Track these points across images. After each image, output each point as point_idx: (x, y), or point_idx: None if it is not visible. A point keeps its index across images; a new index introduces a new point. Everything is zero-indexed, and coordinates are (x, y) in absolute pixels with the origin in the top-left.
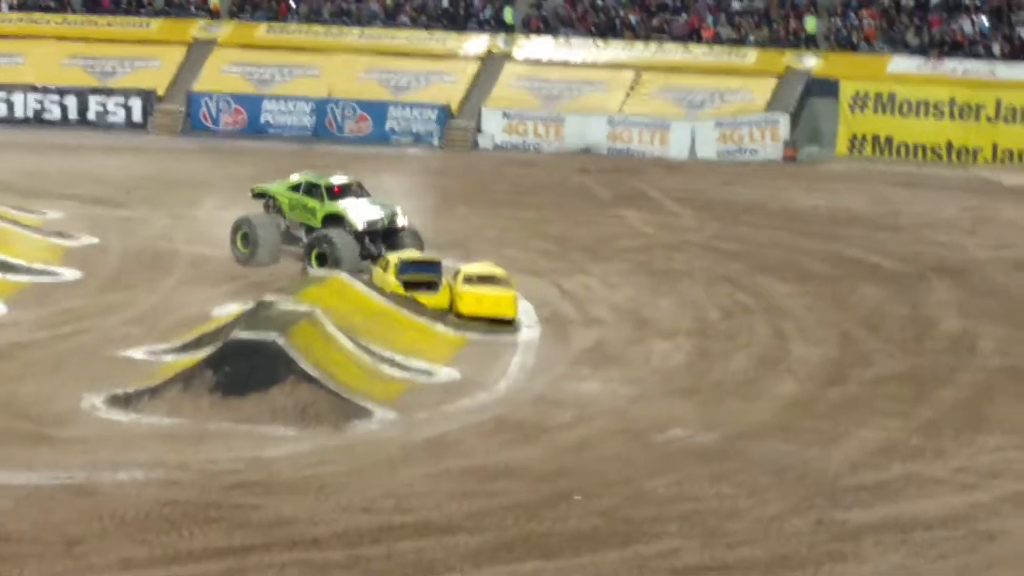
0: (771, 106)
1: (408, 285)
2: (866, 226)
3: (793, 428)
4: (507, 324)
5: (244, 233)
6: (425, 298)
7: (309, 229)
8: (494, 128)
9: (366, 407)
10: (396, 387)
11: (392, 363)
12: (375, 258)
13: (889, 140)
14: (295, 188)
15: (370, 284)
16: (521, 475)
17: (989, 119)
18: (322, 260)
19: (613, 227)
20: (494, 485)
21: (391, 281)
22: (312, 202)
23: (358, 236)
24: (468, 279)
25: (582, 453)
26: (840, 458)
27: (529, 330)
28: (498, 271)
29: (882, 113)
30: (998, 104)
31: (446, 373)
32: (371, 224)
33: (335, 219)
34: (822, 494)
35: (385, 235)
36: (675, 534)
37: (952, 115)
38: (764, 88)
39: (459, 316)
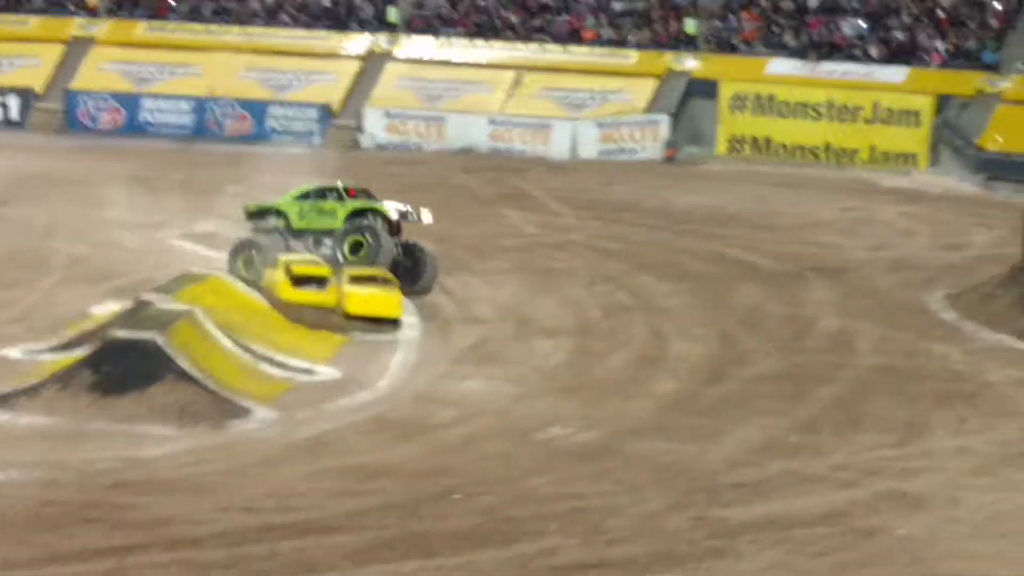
0: (652, 107)
1: (297, 282)
2: (745, 226)
3: (673, 426)
4: (391, 323)
5: (248, 257)
6: (313, 296)
7: (319, 236)
8: (376, 127)
9: (246, 406)
10: (276, 386)
11: (272, 362)
12: (398, 263)
13: (768, 141)
14: (303, 196)
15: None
16: (402, 473)
17: (867, 121)
18: (356, 250)
19: (495, 226)
20: (375, 484)
21: (279, 280)
22: (330, 204)
23: (389, 228)
24: (354, 279)
25: (463, 451)
26: (719, 456)
27: (411, 329)
28: (383, 271)
29: (761, 114)
30: (875, 106)
31: (327, 372)
32: (403, 215)
33: (358, 215)
34: (701, 491)
35: (405, 248)
36: (555, 532)
37: (830, 117)
38: (645, 89)
39: (345, 316)
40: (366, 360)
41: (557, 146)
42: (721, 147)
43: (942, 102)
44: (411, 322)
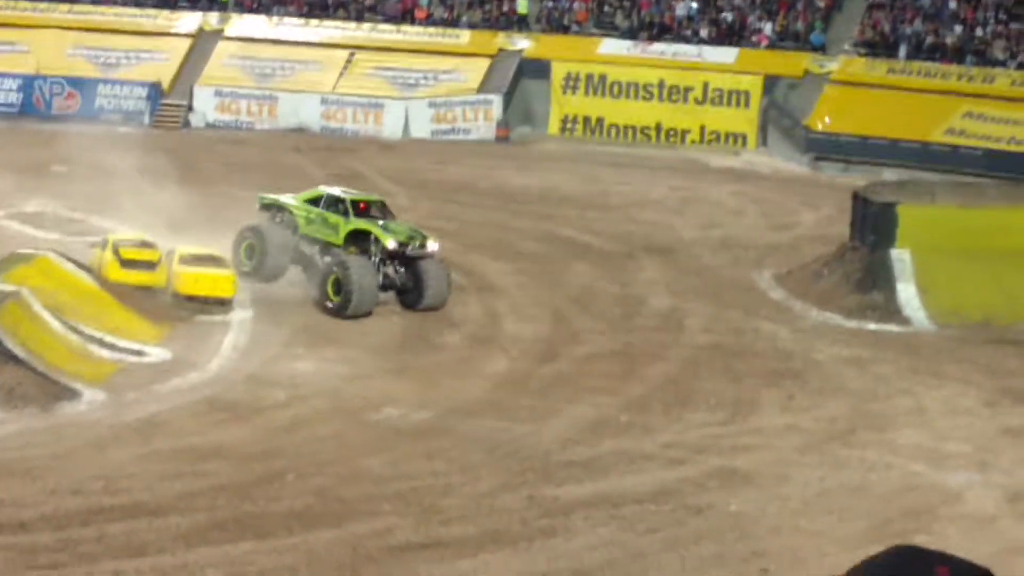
0: (484, 87)
1: (126, 264)
2: (577, 206)
3: (506, 405)
4: (222, 304)
5: (250, 244)
6: (143, 277)
7: (325, 246)
8: (206, 106)
9: (75, 388)
10: (106, 368)
11: (102, 343)
12: (398, 288)
13: (600, 121)
14: (313, 201)
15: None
16: (233, 455)
17: (697, 101)
18: (338, 290)
19: None
20: (206, 465)
21: (108, 260)
22: (334, 217)
23: (384, 257)
24: (184, 259)
25: (295, 433)
26: (552, 435)
27: (243, 310)
28: (214, 251)
29: (593, 94)
30: (705, 87)
31: (157, 353)
32: (402, 246)
33: (360, 236)
34: (534, 470)
35: (407, 262)
36: (389, 512)
37: (661, 97)
38: (477, 69)
39: (176, 296)
40: (197, 341)
41: (389, 126)
42: (553, 127)
43: (771, 83)
44: (243, 303)
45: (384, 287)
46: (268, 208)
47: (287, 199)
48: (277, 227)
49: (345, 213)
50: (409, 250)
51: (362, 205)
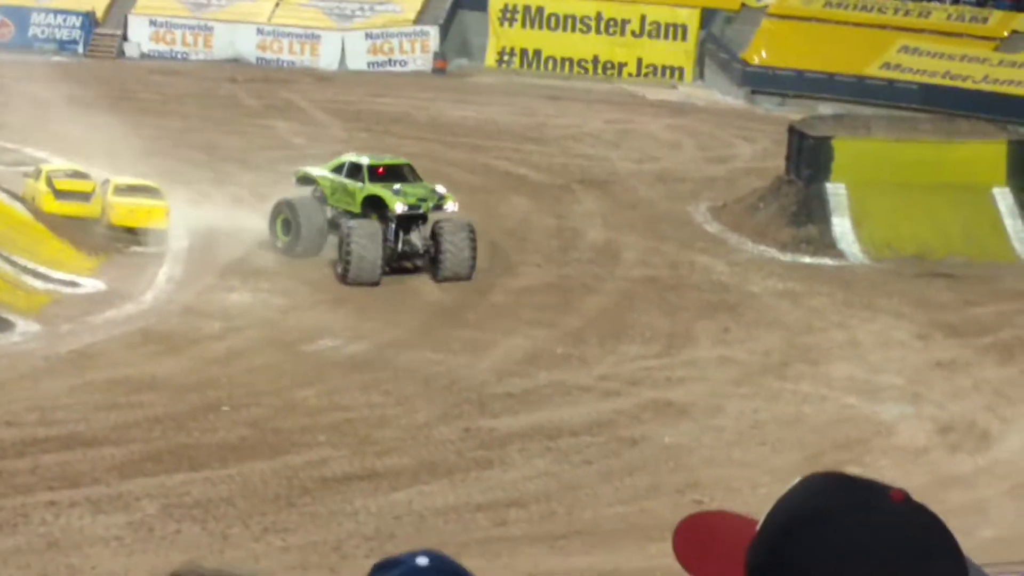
0: (421, 18)
1: (60, 195)
2: (514, 138)
3: (441, 338)
4: (157, 235)
5: (285, 218)
6: (77, 208)
7: (347, 215)
8: (141, 36)
9: (7, 319)
10: (39, 299)
11: (35, 274)
12: (416, 254)
13: (537, 53)
14: (337, 169)
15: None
16: (168, 386)
17: (634, 34)
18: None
19: (262, 137)
20: (140, 397)
21: (42, 191)
22: (352, 184)
23: (398, 223)
24: (119, 189)
25: (231, 364)
26: (487, 367)
27: (177, 241)
28: (149, 182)
29: (531, 27)
30: (643, 19)
31: (91, 284)
32: (411, 208)
33: (375, 202)
34: (470, 402)
35: (430, 227)
36: (324, 444)
37: (599, 30)
38: (414, 0)
39: (110, 227)
40: (132, 272)
41: (326, 57)
42: (491, 59)
43: (708, 16)
44: (179, 233)
45: (403, 255)
46: (304, 182)
47: (316, 170)
48: (311, 200)
49: (362, 179)
50: (420, 211)
51: (380, 170)
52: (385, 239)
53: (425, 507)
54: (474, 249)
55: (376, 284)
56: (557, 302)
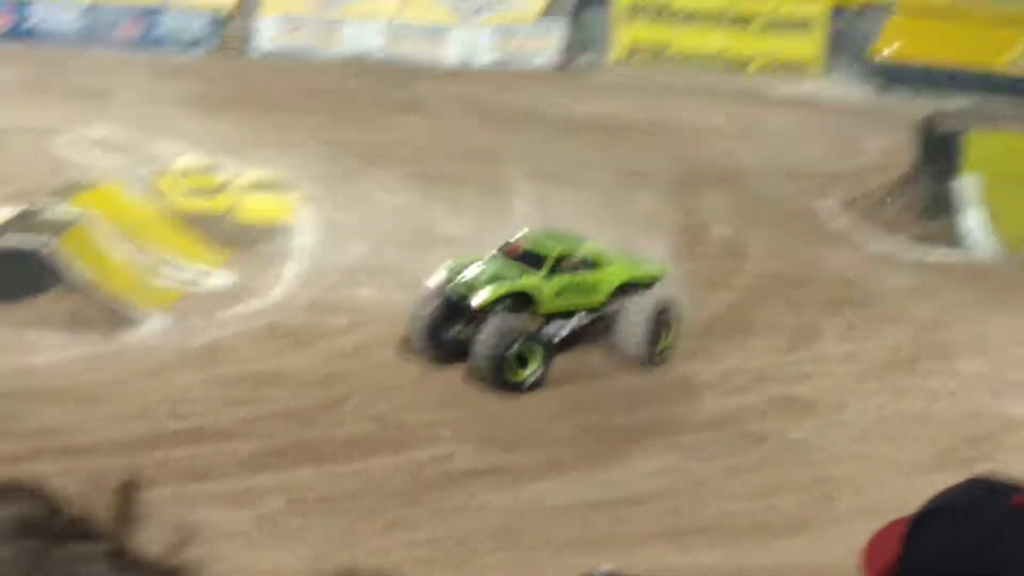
0: (547, 13)
1: (190, 191)
2: (640, 133)
3: None
4: (285, 230)
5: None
6: (206, 203)
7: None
8: (270, 33)
9: (139, 314)
10: (169, 294)
11: (165, 270)
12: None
13: (664, 48)
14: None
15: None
16: (294, 381)
17: (763, 28)
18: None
19: (389, 133)
20: (268, 391)
21: (172, 187)
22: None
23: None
24: (247, 186)
25: (357, 359)
26: (611, 362)
27: (304, 236)
28: (278, 177)
29: (658, 21)
30: (771, 14)
31: (220, 279)
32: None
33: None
34: (593, 397)
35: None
36: (449, 439)
37: (726, 24)
38: None
39: (239, 222)
40: (260, 268)
41: (452, 53)
42: (617, 54)
43: (836, 10)
44: (306, 229)
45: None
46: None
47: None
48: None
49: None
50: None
51: (511, 248)
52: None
53: (549, 503)
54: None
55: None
56: (685, 297)
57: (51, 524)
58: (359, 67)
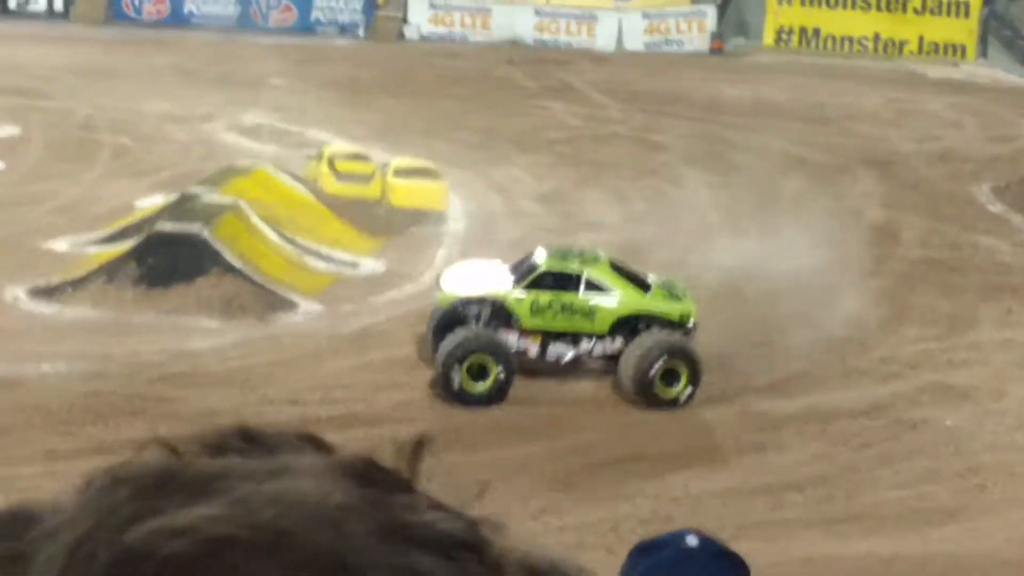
0: None
1: (341, 176)
2: (791, 118)
3: (714, 318)
4: (436, 216)
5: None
6: (358, 189)
7: None
8: (420, 18)
9: (291, 299)
10: (322, 279)
11: (318, 255)
12: None
13: (816, 32)
14: None
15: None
16: None
17: (916, 11)
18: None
19: (539, 119)
20: (419, 376)
21: (324, 173)
22: None
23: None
24: (399, 171)
25: None
26: (763, 350)
27: (455, 222)
28: (429, 163)
29: (809, 5)
30: None
31: (372, 265)
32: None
33: None
34: (744, 384)
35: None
36: (598, 426)
37: (879, 7)
38: None
39: (390, 208)
40: (411, 253)
41: (603, 37)
42: (768, 38)
43: None
44: (456, 215)
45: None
46: None
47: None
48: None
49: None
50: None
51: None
52: None
53: (700, 490)
54: None
55: None
56: (835, 284)
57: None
58: (510, 52)
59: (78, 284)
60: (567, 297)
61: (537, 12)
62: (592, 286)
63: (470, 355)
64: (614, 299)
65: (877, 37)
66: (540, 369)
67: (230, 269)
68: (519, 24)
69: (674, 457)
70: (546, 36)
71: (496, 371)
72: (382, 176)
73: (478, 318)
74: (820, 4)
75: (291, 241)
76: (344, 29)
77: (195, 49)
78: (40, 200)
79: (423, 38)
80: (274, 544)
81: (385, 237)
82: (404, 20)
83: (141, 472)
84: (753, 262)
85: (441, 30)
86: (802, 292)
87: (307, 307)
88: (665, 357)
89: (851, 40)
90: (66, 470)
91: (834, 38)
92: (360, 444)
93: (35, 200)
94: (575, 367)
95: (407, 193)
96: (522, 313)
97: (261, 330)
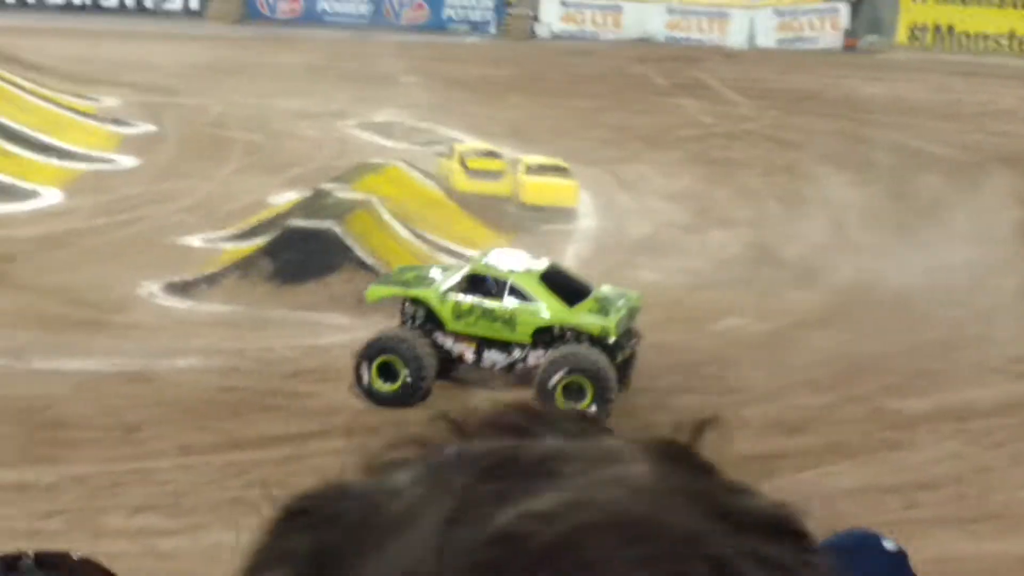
0: None
1: (472, 173)
2: (926, 115)
3: (848, 319)
4: (567, 213)
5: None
6: (489, 186)
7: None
8: (551, 16)
9: None
10: None
11: (448, 251)
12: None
13: (950, 29)
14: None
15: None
16: None
17: None
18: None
19: (671, 116)
20: None
21: (455, 170)
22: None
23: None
24: (530, 168)
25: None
26: (896, 349)
27: (586, 219)
28: (560, 160)
29: (944, 2)
30: None
31: None
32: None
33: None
34: (878, 384)
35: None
36: (732, 421)
37: (1014, 4)
38: None
39: (521, 205)
40: (541, 250)
41: (734, 35)
42: (902, 36)
43: None
44: (587, 212)
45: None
46: None
47: None
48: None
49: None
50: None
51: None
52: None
53: (833, 487)
54: None
55: None
56: (971, 283)
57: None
58: (641, 50)
59: (212, 280)
60: (489, 303)
61: (669, 10)
62: (517, 294)
63: (379, 355)
64: (535, 309)
65: (1012, 34)
66: (483, 377)
67: (362, 265)
68: (651, 22)
69: (805, 453)
70: (678, 33)
71: (403, 373)
72: (513, 173)
73: (413, 318)
74: (954, 1)
75: (422, 237)
76: (475, 27)
77: (328, 47)
78: (174, 197)
79: (554, 36)
80: (633, 531)
81: (515, 234)
82: (535, 18)
83: (480, 453)
84: (887, 261)
85: (572, 28)
86: (936, 291)
87: None
88: (566, 371)
89: (985, 37)
90: (200, 464)
91: (968, 35)
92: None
93: (169, 197)
94: (522, 376)
95: (538, 190)
96: (446, 316)
97: (393, 325)
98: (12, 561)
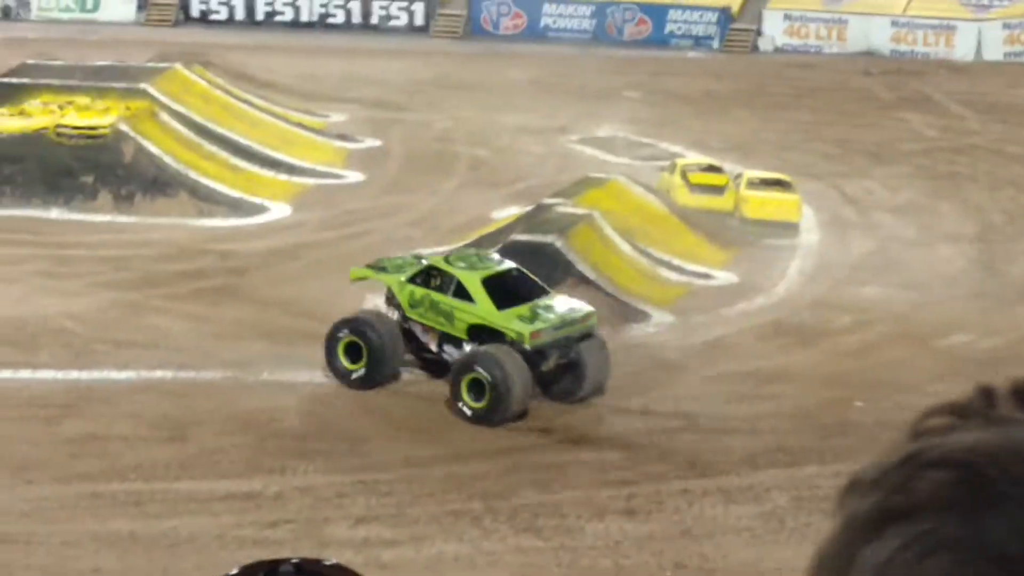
0: None
1: (694, 188)
2: None
3: None
4: (790, 228)
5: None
6: (711, 201)
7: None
8: (775, 30)
9: (644, 310)
10: (674, 290)
11: (670, 266)
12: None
13: None
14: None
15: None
16: (799, 379)
17: None
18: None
19: (895, 130)
20: (772, 388)
21: (677, 184)
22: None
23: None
24: (752, 183)
25: (862, 358)
26: None
27: (808, 234)
28: (783, 174)
29: None
30: None
31: (724, 277)
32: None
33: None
34: None
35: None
36: None
37: None
38: None
39: (743, 220)
40: (764, 265)
41: (961, 48)
42: None
43: None
44: (810, 226)
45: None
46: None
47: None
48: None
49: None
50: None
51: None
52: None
53: None
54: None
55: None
56: None
57: None
58: (865, 63)
59: None
60: (435, 296)
61: (894, 23)
62: (461, 291)
63: (346, 335)
64: (470, 307)
65: None
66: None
67: (583, 279)
68: (875, 35)
69: None
70: (902, 46)
71: (366, 354)
72: (735, 188)
73: (389, 301)
74: None
75: (644, 252)
76: (698, 42)
77: (550, 62)
78: (399, 211)
79: (778, 50)
80: None
81: (737, 248)
82: (759, 32)
83: None
84: None
85: (796, 41)
86: None
87: (658, 318)
88: (470, 368)
89: None
90: (422, 476)
91: None
92: (712, 455)
93: (394, 211)
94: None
95: (760, 205)
96: (404, 302)
97: (614, 339)
98: (273, 568)
